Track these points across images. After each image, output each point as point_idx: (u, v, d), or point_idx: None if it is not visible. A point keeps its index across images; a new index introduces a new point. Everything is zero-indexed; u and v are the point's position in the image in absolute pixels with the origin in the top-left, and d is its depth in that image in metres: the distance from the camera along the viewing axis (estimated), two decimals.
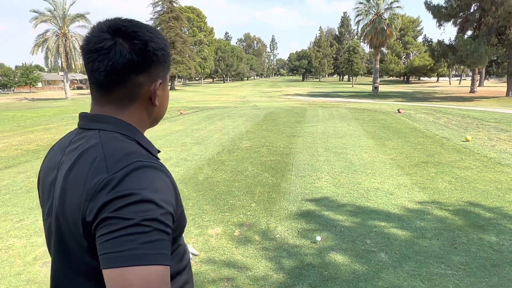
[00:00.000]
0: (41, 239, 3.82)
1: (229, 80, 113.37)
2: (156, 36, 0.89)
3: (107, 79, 0.84)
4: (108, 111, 0.89)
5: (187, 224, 3.88)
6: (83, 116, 0.92)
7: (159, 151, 1.02)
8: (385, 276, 3.04)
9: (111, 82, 0.85)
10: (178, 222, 0.85)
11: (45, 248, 3.49)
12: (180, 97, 39.37)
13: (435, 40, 34.66)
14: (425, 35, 45.87)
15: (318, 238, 3.69)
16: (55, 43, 37.89)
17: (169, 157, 7.68)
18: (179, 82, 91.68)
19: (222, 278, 3.06)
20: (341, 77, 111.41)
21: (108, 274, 0.69)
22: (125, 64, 0.83)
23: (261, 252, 3.48)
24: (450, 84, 66.47)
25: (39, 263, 3.35)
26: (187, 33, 70.59)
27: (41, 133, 11.86)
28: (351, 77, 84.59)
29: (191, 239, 3.77)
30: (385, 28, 38.61)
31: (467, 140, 9.09)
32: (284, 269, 3.19)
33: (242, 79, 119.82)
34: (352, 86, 66.16)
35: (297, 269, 3.18)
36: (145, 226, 0.70)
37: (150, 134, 10.87)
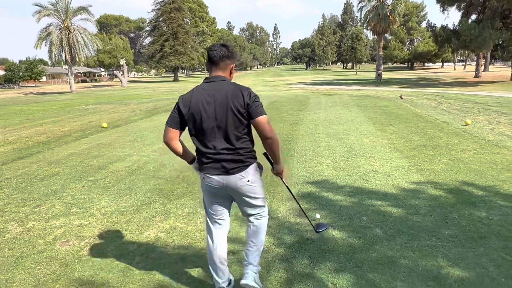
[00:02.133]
0: (59, 222, 4.10)
1: None
2: (233, 48, 2.51)
3: (218, 60, 2.41)
4: (220, 75, 2.43)
5: (196, 205, 4.14)
6: (208, 77, 2.42)
7: None
8: (379, 248, 3.29)
9: (219, 61, 2.41)
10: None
11: (64, 229, 3.79)
12: (184, 88, 39.56)
13: (438, 25, 34.46)
14: (428, 20, 45.46)
15: (318, 216, 3.93)
16: (58, 37, 38.13)
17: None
18: (182, 73, 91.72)
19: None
20: (344, 65, 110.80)
21: (260, 119, 2.31)
22: (223, 55, 2.40)
23: None
24: (455, 69, 66.02)
25: (59, 242, 3.62)
26: (189, 23, 70.47)
27: (50, 125, 12.17)
28: (354, 65, 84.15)
29: (198, 220, 4.03)
30: (388, 14, 38.39)
31: (467, 124, 9.27)
32: (285, 243, 3.44)
33: (245, 69, 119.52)
34: (356, 73, 65.91)
35: (298, 244, 3.43)
36: (261, 103, 2.38)
37: (157, 124, 11.12)
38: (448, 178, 5.15)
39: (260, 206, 2.63)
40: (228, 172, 2.40)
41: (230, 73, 2.48)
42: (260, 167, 2.58)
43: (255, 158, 2.51)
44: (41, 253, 3.41)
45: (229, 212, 2.75)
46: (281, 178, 2.72)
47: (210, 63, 2.43)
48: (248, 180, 2.44)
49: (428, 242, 3.36)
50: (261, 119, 2.31)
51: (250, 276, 2.51)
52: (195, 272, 3.00)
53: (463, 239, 3.40)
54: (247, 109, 2.31)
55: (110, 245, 3.53)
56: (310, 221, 3.39)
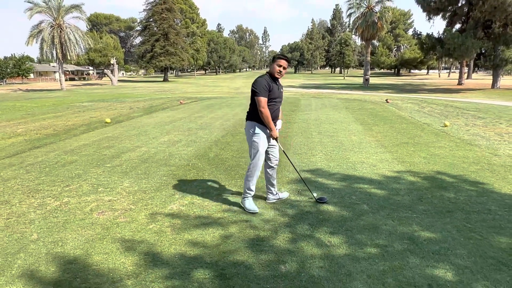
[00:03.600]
0: (90, 198, 4.74)
1: (222, 72, 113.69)
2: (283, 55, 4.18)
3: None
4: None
5: (208, 187, 4.82)
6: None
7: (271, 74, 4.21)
8: (366, 218, 4.03)
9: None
10: (271, 92, 4.10)
11: (96, 203, 4.46)
12: (175, 88, 40.04)
13: (424, 33, 35.73)
14: (415, 28, 46.85)
15: (315, 194, 4.66)
16: (50, 34, 38.30)
17: (179, 140, 8.59)
18: (171, 73, 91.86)
19: (241, 220, 4.01)
20: (333, 70, 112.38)
21: (255, 97, 4.04)
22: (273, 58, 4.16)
23: (269, 205, 4.45)
24: (439, 76, 67.93)
25: (95, 212, 4.27)
26: (180, 24, 70.80)
27: (53, 120, 12.68)
28: (342, 70, 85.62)
29: (212, 198, 4.71)
30: (376, 21, 39.59)
31: (446, 126, 10.15)
32: (288, 215, 4.16)
33: (234, 71, 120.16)
34: (344, 78, 67.21)
35: (299, 215, 4.15)
36: (257, 88, 4.04)
37: (158, 120, 11.76)
38: (425, 169, 5.94)
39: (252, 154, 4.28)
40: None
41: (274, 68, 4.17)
42: (252, 126, 4.21)
43: (250, 119, 4.26)
44: (83, 220, 4.05)
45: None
46: (276, 141, 4.36)
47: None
48: (245, 128, 4.40)
49: (405, 214, 4.12)
50: (256, 97, 4.04)
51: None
52: (217, 233, 3.69)
53: (434, 213, 4.16)
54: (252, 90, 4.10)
55: (140, 214, 4.19)
56: (309, 189, 4.12)
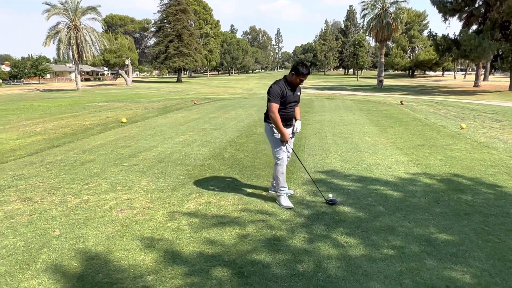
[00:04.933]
0: (109, 196, 4.84)
1: (234, 73, 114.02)
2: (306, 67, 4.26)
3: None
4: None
5: (224, 186, 4.87)
6: None
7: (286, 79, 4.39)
8: (382, 220, 4.03)
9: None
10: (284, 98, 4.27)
11: (115, 201, 4.54)
12: (188, 89, 40.34)
13: (440, 35, 35.31)
14: (430, 29, 46.40)
15: (330, 195, 4.67)
16: (66, 35, 38.92)
17: (194, 140, 8.68)
18: (185, 74, 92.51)
19: (258, 220, 4.06)
20: (346, 71, 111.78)
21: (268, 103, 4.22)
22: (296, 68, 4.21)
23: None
24: (455, 78, 66.98)
25: (115, 210, 4.36)
26: (193, 25, 71.29)
27: (70, 119, 12.92)
28: (356, 71, 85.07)
29: (228, 197, 4.77)
30: (391, 22, 39.30)
31: (462, 128, 10.04)
32: (304, 215, 4.19)
33: (247, 72, 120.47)
34: (357, 79, 66.83)
35: (314, 215, 4.18)
36: (269, 94, 4.22)
37: (172, 120, 11.89)
38: (441, 171, 5.90)
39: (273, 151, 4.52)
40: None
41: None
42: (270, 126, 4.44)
43: (265, 120, 4.52)
44: (103, 218, 4.15)
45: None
46: (285, 144, 4.45)
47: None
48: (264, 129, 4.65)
49: (422, 216, 4.11)
50: (268, 103, 4.25)
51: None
52: (234, 232, 3.74)
53: (451, 215, 4.15)
54: None
55: (158, 212, 4.27)
56: (319, 190, 4.15)
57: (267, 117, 4.43)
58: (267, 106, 4.31)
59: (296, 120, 4.61)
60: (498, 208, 4.34)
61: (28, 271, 3.02)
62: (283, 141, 4.39)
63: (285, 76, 4.36)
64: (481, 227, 3.82)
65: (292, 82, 4.31)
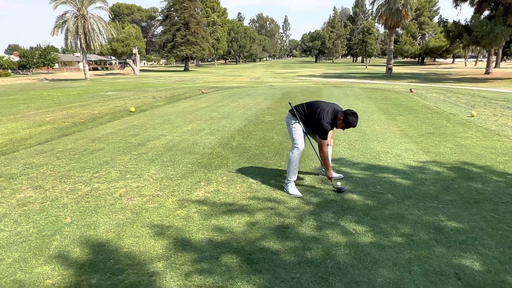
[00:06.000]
0: (119, 184, 4.89)
1: (242, 61, 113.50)
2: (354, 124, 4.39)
3: None
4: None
5: (232, 175, 4.89)
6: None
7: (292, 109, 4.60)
8: (391, 207, 4.03)
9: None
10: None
11: (125, 189, 4.58)
12: (195, 78, 40.31)
13: (450, 21, 34.68)
14: (440, 15, 45.57)
15: (339, 183, 4.67)
16: (74, 24, 39.00)
17: (202, 128, 8.70)
18: (192, 63, 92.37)
19: (266, 207, 4.08)
20: (354, 59, 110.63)
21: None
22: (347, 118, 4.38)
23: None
24: (465, 65, 65.93)
25: (125, 198, 4.41)
26: (200, 13, 70.85)
27: (79, 109, 13.01)
28: (365, 58, 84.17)
29: (237, 185, 4.79)
30: (401, 8, 38.62)
31: (472, 116, 9.92)
32: (312, 203, 4.20)
33: (254, 60, 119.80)
34: (366, 67, 66.14)
35: (323, 203, 4.18)
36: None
37: (180, 109, 11.91)
38: (451, 159, 5.86)
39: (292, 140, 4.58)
40: None
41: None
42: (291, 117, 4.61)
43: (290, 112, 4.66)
44: (113, 205, 4.20)
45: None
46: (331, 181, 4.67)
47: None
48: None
49: (431, 204, 4.10)
50: (319, 140, 4.51)
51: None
52: (243, 220, 3.76)
53: (461, 203, 4.12)
54: None
55: (168, 200, 4.31)
56: (328, 178, 4.16)
57: (292, 112, 4.58)
58: (310, 114, 4.47)
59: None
60: (509, 196, 4.30)
61: (41, 257, 3.08)
62: (330, 177, 4.57)
63: (334, 113, 4.38)
64: (491, 215, 3.80)
65: (337, 125, 4.43)
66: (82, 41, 39.49)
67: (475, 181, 4.83)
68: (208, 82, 31.57)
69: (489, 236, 3.36)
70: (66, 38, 39.38)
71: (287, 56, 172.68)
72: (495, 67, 45.89)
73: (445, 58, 76.22)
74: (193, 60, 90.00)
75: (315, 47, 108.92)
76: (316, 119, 4.34)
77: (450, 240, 3.28)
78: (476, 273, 2.79)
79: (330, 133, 4.58)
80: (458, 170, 5.28)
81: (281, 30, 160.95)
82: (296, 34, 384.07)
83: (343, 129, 4.49)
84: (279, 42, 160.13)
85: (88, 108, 13.17)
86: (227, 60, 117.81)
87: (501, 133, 7.77)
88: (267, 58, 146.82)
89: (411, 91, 17.83)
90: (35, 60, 61.77)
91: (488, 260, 2.97)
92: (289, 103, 4.75)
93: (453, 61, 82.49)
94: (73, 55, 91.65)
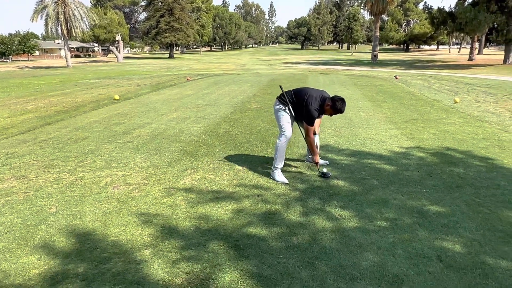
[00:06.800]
0: (104, 173, 4.85)
1: (227, 48, 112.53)
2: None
3: None
4: None
5: (219, 162, 4.90)
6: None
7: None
8: (375, 193, 4.10)
9: None
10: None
11: (111, 178, 4.54)
12: (180, 65, 39.86)
13: (435, 7, 34.89)
14: (425, 1, 45.80)
15: (325, 170, 4.72)
16: (54, 10, 37.97)
17: (187, 116, 8.65)
18: (177, 50, 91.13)
19: (253, 194, 4.11)
20: (340, 45, 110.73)
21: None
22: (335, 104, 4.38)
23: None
24: (449, 52, 66.67)
25: (110, 187, 4.38)
26: None
27: (61, 97, 12.77)
28: (350, 45, 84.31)
29: (224, 173, 4.80)
30: None
31: (455, 102, 10.08)
32: (299, 189, 4.24)
33: (240, 47, 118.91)
34: (352, 54, 66.30)
35: (309, 189, 4.23)
36: None
37: (166, 97, 11.80)
38: (434, 145, 5.97)
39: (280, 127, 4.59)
40: None
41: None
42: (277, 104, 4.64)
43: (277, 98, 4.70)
44: (99, 194, 4.17)
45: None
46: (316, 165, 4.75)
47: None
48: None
49: (415, 189, 4.18)
50: (305, 125, 4.50)
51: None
52: (230, 207, 3.79)
53: (443, 188, 4.22)
54: None
55: (154, 188, 4.30)
56: (314, 163, 4.25)
57: (281, 98, 4.61)
58: (298, 103, 4.48)
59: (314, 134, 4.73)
60: (489, 180, 4.42)
61: (27, 247, 3.06)
62: (316, 162, 4.64)
63: (322, 99, 4.39)
64: (472, 199, 3.90)
65: (325, 111, 4.43)
66: (63, 27, 38.54)
67: (457, 166, 4.94)
68: (193, 69, 31.27)
69: (470, 219, 3.45)
70: (46, 24, 38.37)
71: (273, 43, 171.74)
72: (478, 54, 46.49)
73: (429, 45, 76.87)
74: (178, 47, 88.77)
75: (301, 34, 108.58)
76: (304, 105, 4.36)
77: (432, 224, 3.37)
78: (457, 255, 2.88)
79: (318, 121, 4.64)
80: (441, 156, 5.39)
81: (266, 17, 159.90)
82: (282, 20, 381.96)
83: (331, 115, 4.50)
84: (265, 28, 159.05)
85: (71, 96, 12.94)
86: (212, 47, 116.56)
87: (483, 119, 7.93)
88: (253, 45, 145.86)
89: (396, 78, 17.99)
90: (14, 47, 60.13)
91: (468, 242, 3.06)
92: (280, 87, 4.76)
93: (437, 48, 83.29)
94: (54, 42, 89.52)
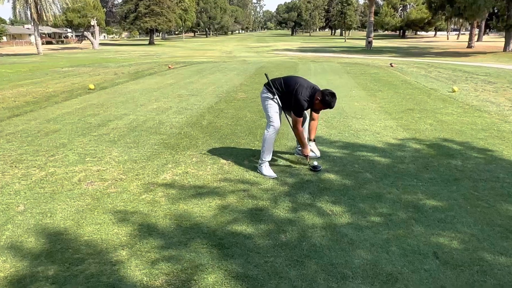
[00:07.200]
0: (78, 168, 4.78)
1: (212, 34, 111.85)
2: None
3: None
4: None
5: (202, 156, 4.87)
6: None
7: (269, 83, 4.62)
8: (369, 187, 4.12)
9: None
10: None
11: (85, 173, 4.50)
12: (161, 52, 39.51)
13: None
14: None
15: (315, 163, 4.73)
16: None
17: (169, 107, 8.57)
18: (158, 36, 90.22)
19: (239, 190, 4.09)
20: (333, 31, 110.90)
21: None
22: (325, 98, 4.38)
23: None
24: (448, 39, 67.29)
25: (84, 183, 4.31)
26: None
27: (31, 86, 12.53)
28: (343, 31, 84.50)
29: (207, 167, 4.77)
30: None
31: (454, 91, 10.19)
32: (288, 184, 4.24)
33: (226, 33, 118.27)
34: (345, 41, 66.51)
35: (299, 184, 4.23)
36: None
37: (145, 86, 11.68)
38: (431, 136, 6.02)
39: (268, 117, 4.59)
40: None
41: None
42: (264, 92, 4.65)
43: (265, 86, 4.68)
44: (71, 191, 4.10)
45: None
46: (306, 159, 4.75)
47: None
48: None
49: (410, 183, 4.21)
50: (294, 117, 4.48)
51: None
52: (214, 203, 3.76)
53: (440, 181, 4.26)
54: None
55: (132, 184, 4.25)
56: (304, 157, 4.30)
57: (268, 86, 4.57)
58: (287, 91, 4.46)
59: (309, 140, 4.83)
60: (488, 172, 4.48)
61: None
62: (306, 154, 4.61)
63: (313, 90, 4.41)
64: (470, 192, 3.95)
65: (313, 104, 4.46)
66: (32, 10, 37.71)
67: (454, 158, 4.99)
68: (175, 56, 31.01)
69: (467, 213, 3.49)
70: (14, 7, 37.54)
71: (261, 29, 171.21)
72: (477, 41, 47.05)
73: (426, 31, 77.53)
74: (159, 33, 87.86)
75: (291, 19, 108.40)
76: (294, 95, 4.33)
77: (428, 219, 3.39)
78: (454, 251, 2.91)
79: (317, 115, 4.69)
80: (438, 147, 5.44)
81: (254, 0, 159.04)
82: (270, 4, 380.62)
83: (320, 109, 4.54)
84: (253, 13, 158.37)
85: (42, 85, 12.70)
86: (196, 33, 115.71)
87: (482, 109, 8.03)
88: (240, 31, 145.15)
89: (392, 66, 18.11)
90: None
91: (466, 238, 3.09)
92: (265, 75, 4.77)
93: (435, 35, 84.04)
94: (23, 27, 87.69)
